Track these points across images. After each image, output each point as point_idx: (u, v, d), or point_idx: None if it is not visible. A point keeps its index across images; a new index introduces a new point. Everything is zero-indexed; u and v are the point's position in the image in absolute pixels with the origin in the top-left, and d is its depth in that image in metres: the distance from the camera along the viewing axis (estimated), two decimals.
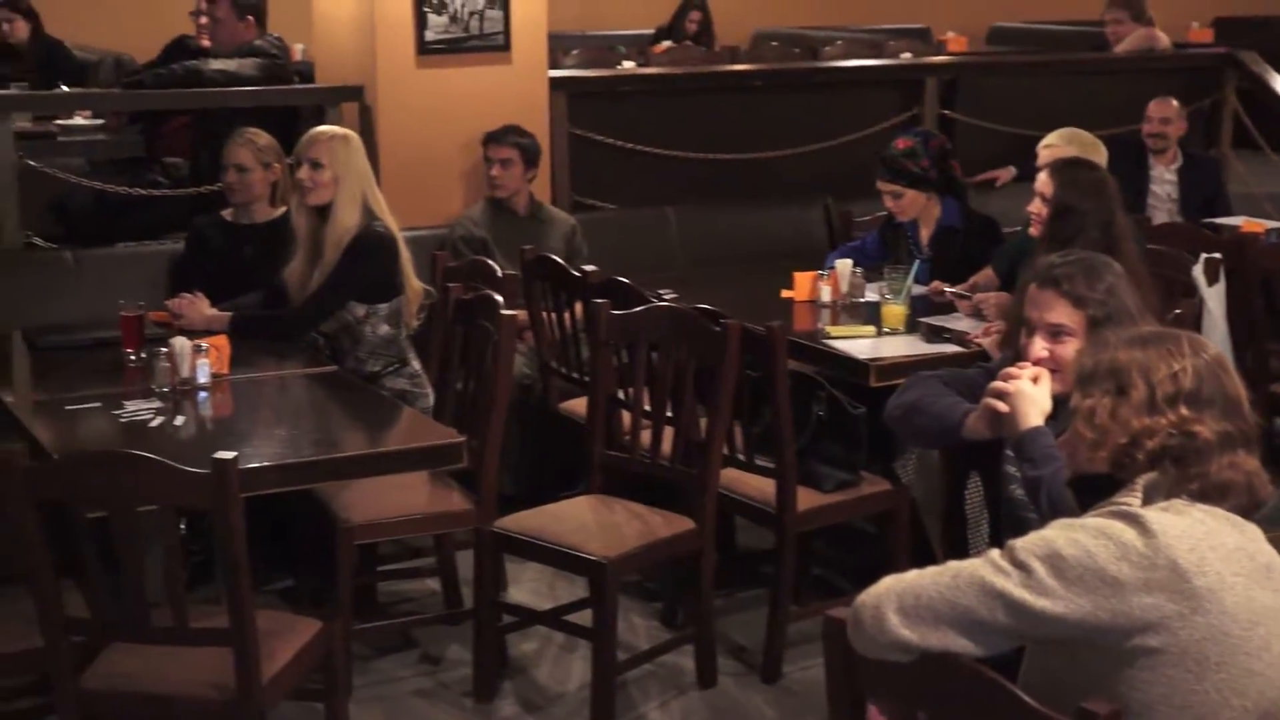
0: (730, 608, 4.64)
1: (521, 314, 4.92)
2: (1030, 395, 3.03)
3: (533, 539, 4.05)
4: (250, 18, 6.16)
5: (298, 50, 7.59)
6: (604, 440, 4.36)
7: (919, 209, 5.19)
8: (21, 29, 8.28)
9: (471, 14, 5.84)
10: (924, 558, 3.92)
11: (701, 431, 4.14)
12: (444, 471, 4.19)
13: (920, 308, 4.80)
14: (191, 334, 4.30)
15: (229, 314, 4.64)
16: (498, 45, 5.92)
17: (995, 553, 2.14)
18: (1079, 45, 9.80)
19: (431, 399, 4.63)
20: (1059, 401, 3.08)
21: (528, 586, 4.80)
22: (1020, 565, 2.11)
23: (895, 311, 4.66)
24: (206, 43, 6.26)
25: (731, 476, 4.30)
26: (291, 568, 4.65)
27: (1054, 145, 5.17)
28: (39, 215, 5.96)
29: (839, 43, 9.96)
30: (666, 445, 4.22)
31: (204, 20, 6.27)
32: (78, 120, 6.83)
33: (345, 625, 3.83)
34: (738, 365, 4.08)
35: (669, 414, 4.21)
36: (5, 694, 3.77)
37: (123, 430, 3.80)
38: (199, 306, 4.65)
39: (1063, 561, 2.10)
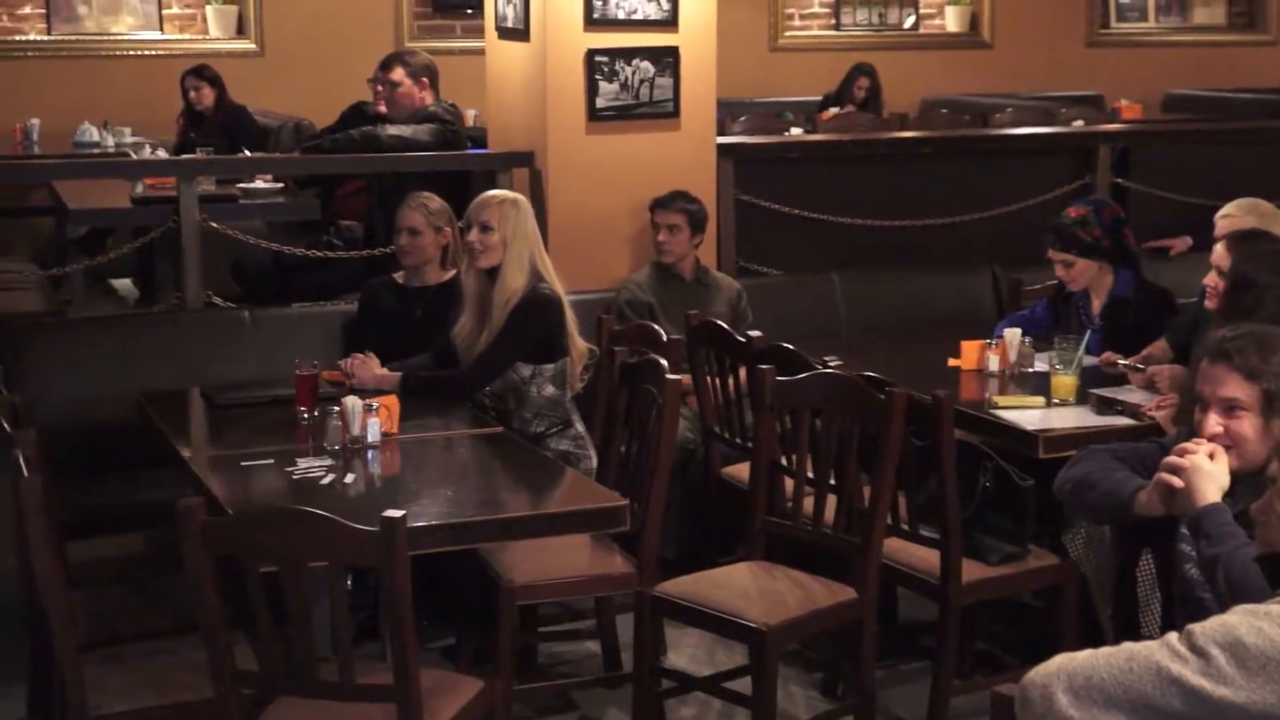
0: (891, 679, 4.58)
1: (685, 378, 4.93)
2: (1207, 471, 2.95)
3: (693, 604, 4.04)
4: (425, 80, 6.31)
5: (470, 116, 7.75)
6: (766, 506, 4.35)
7: (1090, 279, 5.10)
8: (208, 96, 8.59)
9: (642, 81, 5.90)
10: (1092, 635, 3.85)
11: (865, 500, 4.10)
12: (605, 534, 4.21)
13: (1091, 379, 4.70)
14: (363, 393, 4.39)
15: (399, 374, 4.72)
16: (667, 112, 5.97)
17: (1173, 637, 2.08)
18: (1258, 113, 9.58)
19: (594, 461, 4.66)
20: (1236, 478, 2.99)
21: (687, 652, 4.78)
22: (1199, 651, 2.04)
23: (1065, 382, 4.58)
24: (383, 108, 6.42)
25: (895, 546, 4.24)
26: (453, 626, 4.69)
27: (1232, 215, 5.04)
28: (219, 275, 6.14)
29: (1009, 110, 9.87)
30: (829, 513, 4.19)
31: (381, 88, 6.43)
32: (258, 184, 7.03)
33: (506, 685, 3.85)
34: (902, 434, 4.04)
35: (832, 481, 4.18)
36: None
37: (295, 487, 3.88)
38: (370, 366, 4.74)
39: (1244, 650, 2.03)
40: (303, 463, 4.04)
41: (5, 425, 3.85)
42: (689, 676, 4.41)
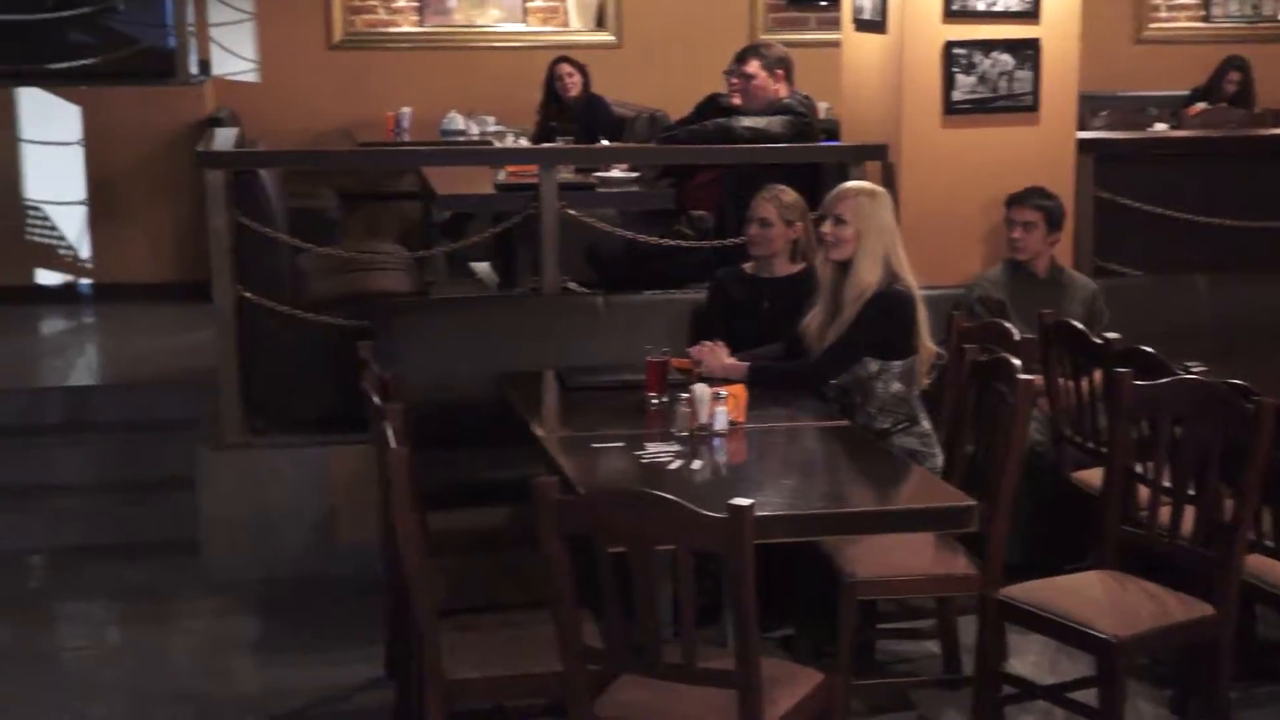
0: (1247, 702, 4.37)
1: (1037, 379, 4.80)
2: None
3: (1039, 610, 3.94)
4: (780, 72, 6.32)
5: (823, 108, 7.73)
6: (1119, 514, 4.20)
7: None
8: (577, 84, 8.80)
9: (1001, 74, 5.79)
10: None
11: (1226, 513, 3.92)
12: (950, 534, 4.16)
13: None
14: (711, 381, 4.43)
15: (746, 364, 4.76)
16: (1025, 105, 5.84)
17: None
18: None
19: (940, 460, 4.60)
20: None
21: (1029, 659, 4.67)
22: None
23: None
24: (737, 100, 6.46)
25: (1257, 563, 4.05)
26: (792, 617, 4.71)
27: None
28: (574, 261, 6.30)
29: None
30: (1186, 524, 4.03)
31: (736, 80, 6.48)
32: (615, 173, 7.18)
33: (845, 680, 3.84)
34: (1270, 446, 3.85)
35: (1191, 492, 4.02)
36: (524, 713, 3.99)
37: (642, 470, 3.96)
38: (719, 355, 4.78)
39: None
40: (651, 447, 4.11)
41: (376, 399, 4.04)
42: (1032, 684, 4.31)
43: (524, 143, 8.47)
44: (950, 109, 5.80)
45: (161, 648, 5.04)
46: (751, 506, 3.10)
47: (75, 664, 5.06)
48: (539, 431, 4.38)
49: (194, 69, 9.12)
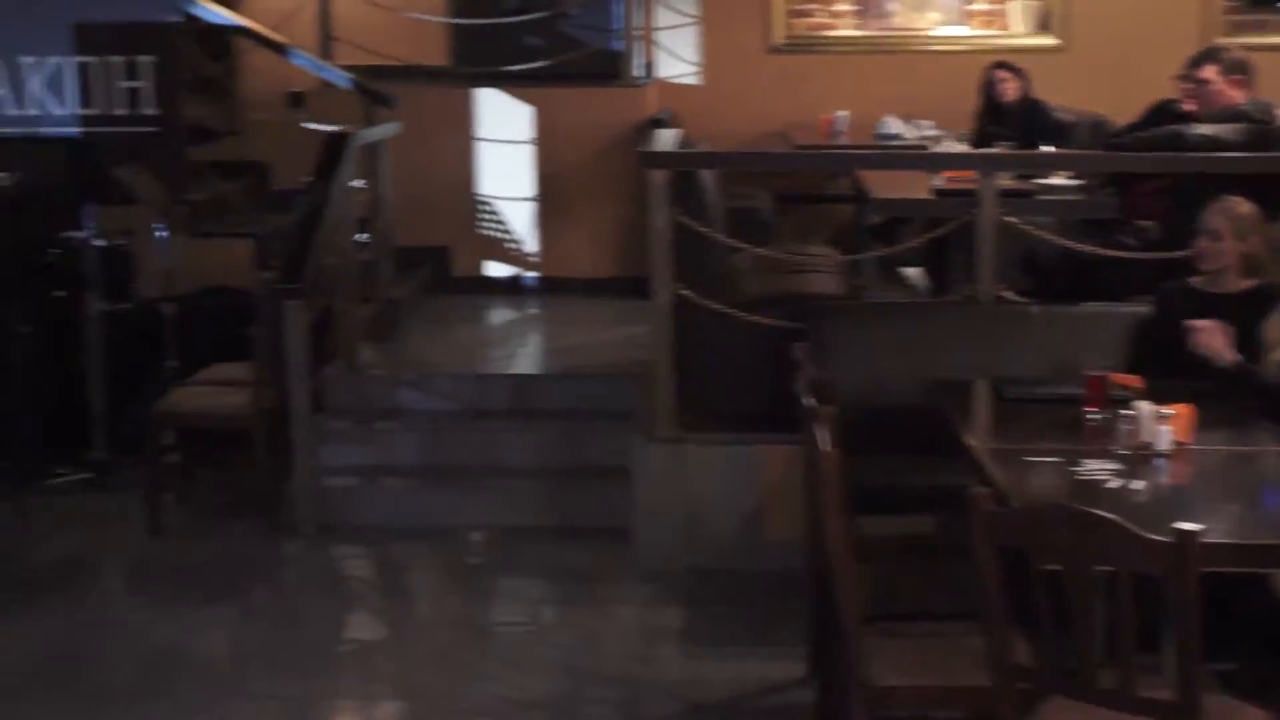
0: None
1: None
2: None
3: None
4: (1239, 78, 6.03)
5: None
6: None
7: None
8: (1013, 89, 8.64)
9: None
10: None
11: None
12: None
13: None
14: (1156, 399, 4.27)
15: (1240, 359, 4.55)
16: None
17: None
18: None
19: None
20: None
21: None
22: None
23: None
24: (1190, 106, 6.21)
25: None
26: (1235, 649, 4.48)
27: None
28: (1010, 269, 6.19)
29: None
30: None
31: (1189, 85, 6.22)
32: (1056, 180, 7.00)
33: None
34: None
35: None
36: None
37: (1077, 487, 3.85)
38: (1219, 335, 4.58)
39: None
40: (1088, 464, 3.99)
41: (809, 400, 4.08)
42: None
43: (962, 147, 8.35)
44: None
45: (592, 629, 5.25)
46: (1198, 532, 2.98)
47: (511, 638, 5.34)
48: (971, 441, 4.32)
49: (639, 71, 9.42)
